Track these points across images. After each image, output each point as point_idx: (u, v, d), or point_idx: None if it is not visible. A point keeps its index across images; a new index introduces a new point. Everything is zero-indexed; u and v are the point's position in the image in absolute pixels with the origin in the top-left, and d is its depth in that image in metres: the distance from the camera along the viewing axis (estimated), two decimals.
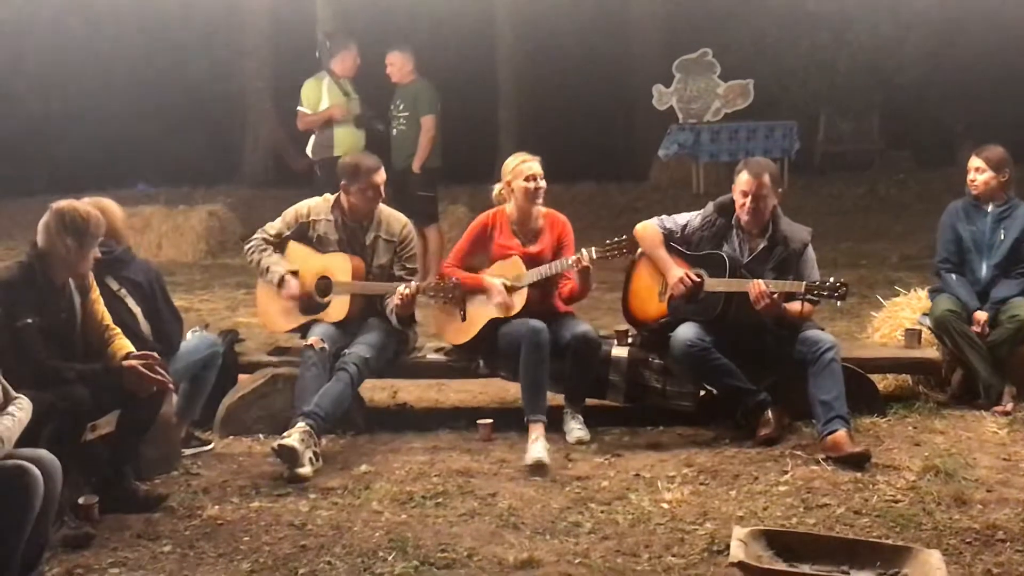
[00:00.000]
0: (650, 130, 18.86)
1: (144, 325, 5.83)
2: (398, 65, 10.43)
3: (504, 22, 20.44)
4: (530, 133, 18.58)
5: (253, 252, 6.62)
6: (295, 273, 6.51)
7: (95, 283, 5.38)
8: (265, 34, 19.95)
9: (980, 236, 6.91)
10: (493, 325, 6.42)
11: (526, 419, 6.03)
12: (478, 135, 18.90)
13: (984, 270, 6.88)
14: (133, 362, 5.09)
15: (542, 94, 20.61)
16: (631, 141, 20.31)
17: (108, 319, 5.35)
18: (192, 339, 6.25)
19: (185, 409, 6.15)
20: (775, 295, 6.05)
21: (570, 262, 6.29)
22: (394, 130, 10.47)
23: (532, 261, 6.45)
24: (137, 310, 5.83)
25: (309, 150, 10.36)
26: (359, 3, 18.04)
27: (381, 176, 6.51)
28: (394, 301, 6.29)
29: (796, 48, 19.25)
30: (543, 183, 6.52)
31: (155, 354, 5.20)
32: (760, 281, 6.06)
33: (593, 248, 6.27)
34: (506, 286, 6.38)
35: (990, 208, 6.92)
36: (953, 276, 6.90)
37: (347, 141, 10.05)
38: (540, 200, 6.54)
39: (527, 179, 6.49)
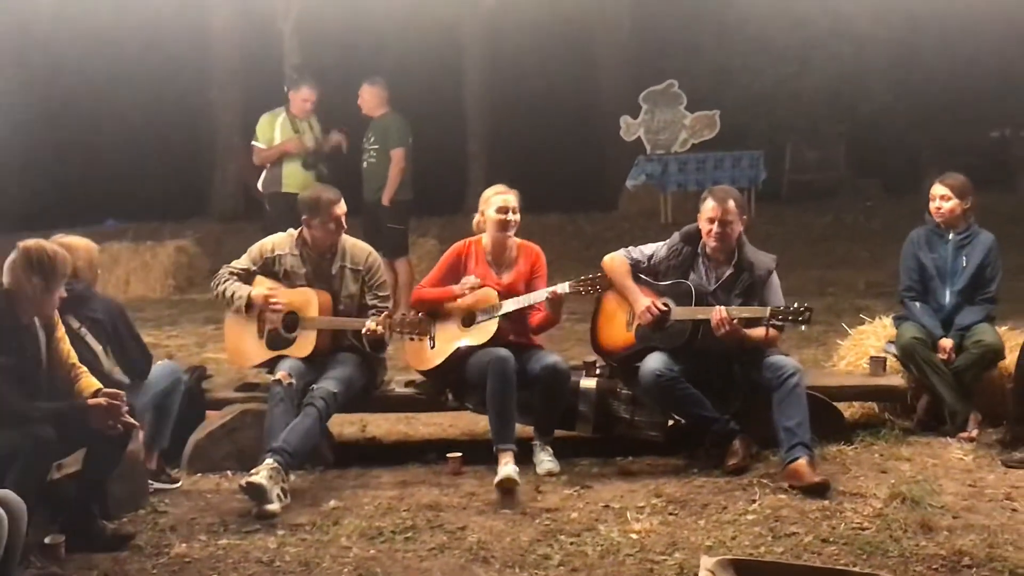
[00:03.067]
0: (618, 161, 19.01)
1: (106, 363, 5.84)
2: (367, 98, 10.49)
3: (472, 54, 20.57)
4: (499, 165, 18.67)
5: (219, 285, 6.60)
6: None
7: (60, 322, 5.36)
8: (233, 68, 19.98)
9: (942, 263, 6.98)
10: (461, 354, 6.43)
11: (495, 448, 6.04)
12: (447, 167, 18.96)
13: (947, 297, 6.94)
14: (99, 400, 5.07)
15: (511, 126, 20.72)
16: (599, 172, 20.42)
17: (74, 357, 5.33)
18: (154, 370, 6.23)
19: (154, 439, 6.14)
20: (735, 321, 6.10)
21: (544, 295, 6.32)
22: (364, 163, 10.54)
23: (505, 292, 6.48)
24: (98, 348, 5.83)
25: (259, 184, 10.38)
26: (326, 37, 18.14)
27: (341, 208, 6.52)
28: (364, 333, 6.29)
29: (761, 79, 19.46)
30: (515, 216, 6.55)
31: (120, 392, 5.17)
32: (721, 308, 6.11)
33: (567, 283, 6.31)
34: (475, 312, 6.42)
35: (951, 236, 6.99)
36: (917, 304, 6.96)
37: (296, 177, 10.07)
38: (511, 232, 6.57)
39: (499, 210, 6.54)
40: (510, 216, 6.54)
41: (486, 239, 6.64)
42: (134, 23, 18.23)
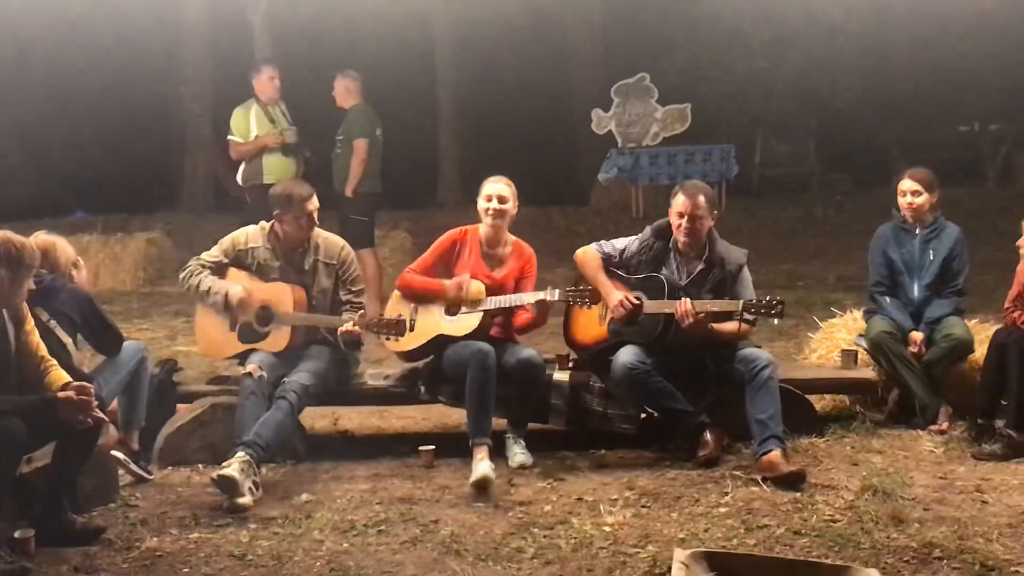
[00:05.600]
0: (590, 154, 19.02)
1: (76, 355, 5.83)
2: (338, 90, 10.52)
3: (444, 48, 20.54)
4: (471, 158, 18.67)
5: (190, 277, 6.53)
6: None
7: (30, 314, 5.31)
8: (203, 60, 19.88)
9: (910, 258, 7.03)
10: (437, 344, 6.42)
11: (471, 442, 6.03)
12: (419, 161, 18.94)
13: (916, 291, 6.99)
14: (68, 393, 5.02)
15: (483, 119, 20.71)
16: (571, 165, 20.45)
17: (43, 350, 5.28)
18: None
19: (129, 420, 6.19)
20: (700, 314, 6.10)
21: (532, 300, 6.32)
22: (333, 154, 10.54)
23: (494, 287, 6.47)
24: (67, 340, 5.80)
25: (239, 178, 10.33)
26: (297, 29, 18.05)
27: (314, 203, 6.50)
28: (341, 334, 6.26)
29: (732, 73, 19.52)
30: (502, 205, 6.54)
31: (89, 385, 5.12)
32: (686, 300, 6.11)
33: (557, 290, 6.31)
34: (460, 303, 6.41)
35: (918, 230, 7.04)
36: (887, 299, 7.01)
37: (277, 168, 10.02)
38: (497, 222, 6.55)
39: (486, 198, 6.55)
40: (495, 204, 6.53)
41: (483, 230, 6.63)
42: (104, 14, 18.09)
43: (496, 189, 6.58)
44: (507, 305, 6.41)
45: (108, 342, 6.17)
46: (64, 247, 6.19)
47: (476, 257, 6.58)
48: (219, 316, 6.50)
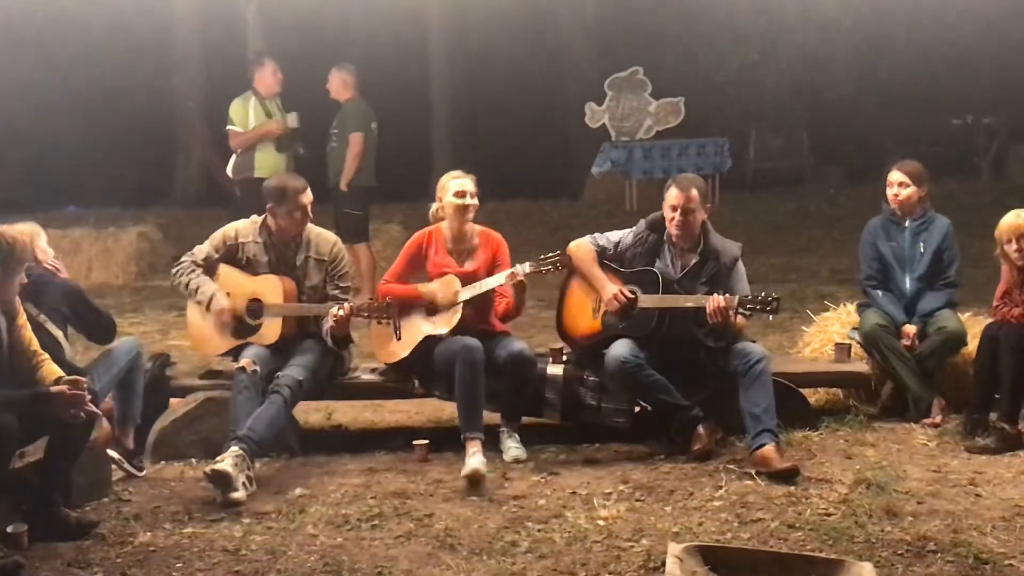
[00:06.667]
0: (584, 148, 19.02)
1: (67, 349, 5.81)
2: (333, 83, 10.54)
3: (437, 40, 20.52)
4: (464, 151, 18.65)
5: (181, 275, 6.53)
6: (227, 295, 6.44)
7: (22, 308, 5.29)
8: (196, 54, 19.85)
9: (900, 251, 7.03)
10: (428, 344, 6.41)
11: (463, 436, 6.02)
12: (412, 154, 18.93)
13: (908, 284, 7.00)
14: (61, 387, 5.01)
15: (476, 112, 20.70)
16: (565, 159, 20.44)
17: (36, 344, 5.27)
18: (113, 349, 6.24)
19: (124, 417, 6.17)
20: (732, 311, 6.08)
21: (504, 277, 6.30)
22: (327, 147, 10.54)
23: (467, 279, 6.45)
24: (58, 334, 5.79)
25: (229, 170, 10.32)
26: (290, 22, 18.02)
27: (308, 197, 6.47)
28: (328, 323, 6.25)
29: (726, 66, 19.51)
30: (473, 200, 6.54)
31: (83, 379, 5.11)
32: (717, 296, 6.10)
33: (527, 263, 6.29)
34: (438, 301, 6.40)
35: (908, 223, 7.05)
36: (879, 293, 7.01)
37: (268, 162, 10.04)
38: (470, 216, 6.55)
39: (456, 195, 6.52)
40: (468, 200, 6.52)
41: (446, 227, 6.62)
42: (96, 6, 18.03)
43: (466, 185, 6.56)
44: (482, 290, 6.40)
45: (100, 331, 6.21)
46: (35, 233, 6.14)
47: (444, 254, 6.58)
48: None
